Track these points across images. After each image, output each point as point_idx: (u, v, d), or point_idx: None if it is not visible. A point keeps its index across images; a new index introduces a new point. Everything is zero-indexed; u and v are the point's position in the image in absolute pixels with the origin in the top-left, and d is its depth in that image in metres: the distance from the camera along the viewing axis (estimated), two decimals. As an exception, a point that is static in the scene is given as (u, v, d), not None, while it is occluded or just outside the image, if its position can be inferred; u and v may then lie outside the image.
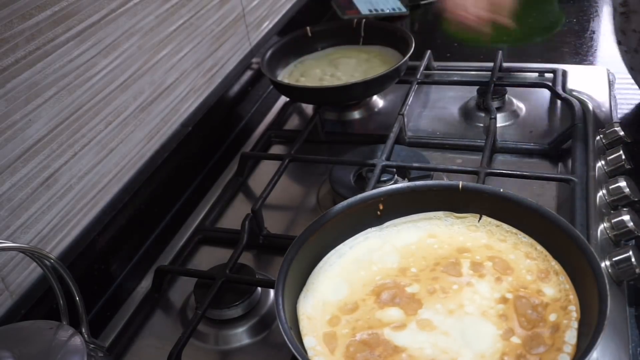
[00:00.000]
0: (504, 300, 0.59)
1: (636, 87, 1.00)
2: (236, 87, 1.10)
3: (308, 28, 1.14)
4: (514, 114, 1.01)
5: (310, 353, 0.56)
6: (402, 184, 0.70)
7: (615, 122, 0.89)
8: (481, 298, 0.60)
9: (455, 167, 0.86)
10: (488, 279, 0.62)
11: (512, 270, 0.62)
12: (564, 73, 1.07)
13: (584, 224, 0.74)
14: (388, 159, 0.88)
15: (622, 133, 0.87)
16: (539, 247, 0.63)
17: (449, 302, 0.60)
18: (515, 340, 0.55)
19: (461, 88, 1.09)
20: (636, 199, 0.77)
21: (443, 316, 0.58)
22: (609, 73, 1.07)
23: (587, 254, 0.58)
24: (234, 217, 0.88)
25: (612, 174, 0.82)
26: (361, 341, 0.57)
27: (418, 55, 1.09)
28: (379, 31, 1.13)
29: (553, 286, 0.60)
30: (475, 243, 0.66)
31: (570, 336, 0.55)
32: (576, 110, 0.94)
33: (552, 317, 0.57)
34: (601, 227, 0.74)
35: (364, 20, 1.14)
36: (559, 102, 1.01)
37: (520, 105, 1.02)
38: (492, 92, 0.99)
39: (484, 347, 0.55)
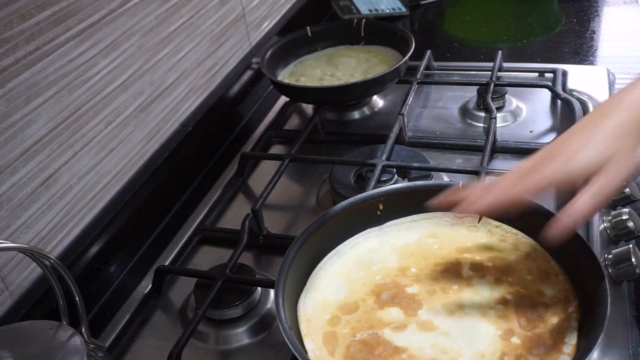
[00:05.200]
0: (503, 301, 0.59)
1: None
2: (236, 87, 1.10)
3: (308, 28, 1.14)
4: (514, 114, 1.01)
5: (310, 355, 0.56)
6: (402, 184, 0.70)
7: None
8: (481, 298, 0.60)
9: (455, 167, 0.86)
10: (488, 280, 0.62)
11: (512, 270, 0.62)
12: (564, 73, 1.07)
13: (584, 224, 0.73)
14: (388, 159, 0.88)
15: (622, 133, 0.86)
16: (539, 247, 0.63)
17: (449, 303, 0.60)
18: (515, 340, 0.55)
19: (461, 88, 1.09)
20: (636, 199, 0.77)
21: (443, 317, 0.58)
22: (609, 73, 1.07)
23: (587, 254, 0.58)
24: (234, 217, 0.88)
25: (612, 174, 0.82)
26: (361, 341, 0.57)
27: (418, 55, 1.09)
28: (379, 31, 1.13)
29: (553, 287, 0.60)
30: (476, 243, 0.66)
31: (570, 336, 0.55)
32: (576, 110, 0.94)
33: (552, 318, 0.57)
34: (601, 227, 0.74)
35: (364, 20, 1.14)
36: (559, 102, 1.01)
37: (520, 105, 1.02)
38: (492, 92, 0.99)
39: (484, 347, 0.55)
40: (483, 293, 0.60)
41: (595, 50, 1.18)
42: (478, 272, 0.63)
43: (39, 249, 0.56)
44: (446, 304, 0.60)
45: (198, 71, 1.00)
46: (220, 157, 1.03)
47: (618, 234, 0.73)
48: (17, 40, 0.66)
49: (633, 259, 0.68)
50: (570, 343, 0.54)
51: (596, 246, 0.71)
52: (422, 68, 1.09)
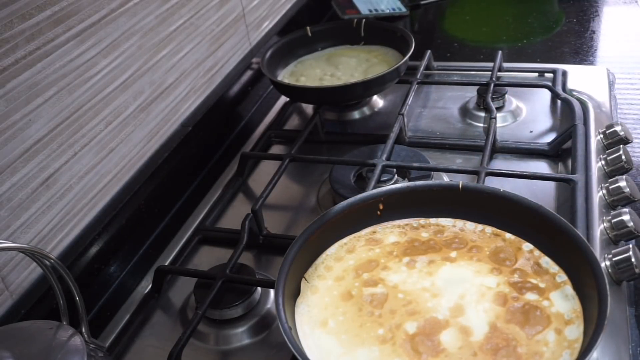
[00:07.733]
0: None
1: (636, 87, 1.00)
2: (236, 87, 1.10)
3: (308, 28, 1.14)
4: (514, 114, 1.01)
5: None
6: (402, 184, 0.70)
7: (615, 122, 0.89)
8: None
9: (455, 167, 0.86)
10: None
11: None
12: (564, 73, 1.07)
13: (584, 224, 0.73)
14: (388, 159, 0.88)
15: (622, 133, 0.86)
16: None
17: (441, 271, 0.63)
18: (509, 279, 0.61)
19: (461, 88, 1.09)
20: (636, 199, 0.77)
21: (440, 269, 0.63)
22: (609, 73, 1.07)
23: (587, 254, 0.58)
24: (234, 217, 0.88)
25: (612, 174, 0.82)
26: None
27: (418, 55, 1.09)
28: (379, 31, 1.13)
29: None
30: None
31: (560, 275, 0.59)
32: (576, 110, 0.94)
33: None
34: (601, 227, 0.74)
35: (364, 20, 1.14)
36: (559, 102, 1.01)
37: (520, 105, 1.02)
38: (492, 92, 0.99)
39: (485, 282, 0.60)
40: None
41: (595, 50, 1.19)
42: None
43: (39, 249, 0.56)
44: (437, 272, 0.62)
45: (198, 71, 1.00)
46: (220, 157, 1.03)
47: (618, 234, 0.73)
48: (17, 40, 0.66)
49: (633, 259, 0.68)
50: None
51: (596, 246, 0.71)
52: (422, 68, 1.09)
